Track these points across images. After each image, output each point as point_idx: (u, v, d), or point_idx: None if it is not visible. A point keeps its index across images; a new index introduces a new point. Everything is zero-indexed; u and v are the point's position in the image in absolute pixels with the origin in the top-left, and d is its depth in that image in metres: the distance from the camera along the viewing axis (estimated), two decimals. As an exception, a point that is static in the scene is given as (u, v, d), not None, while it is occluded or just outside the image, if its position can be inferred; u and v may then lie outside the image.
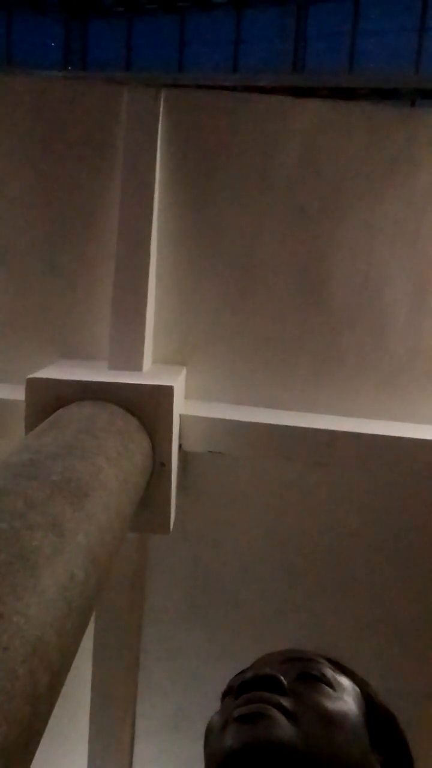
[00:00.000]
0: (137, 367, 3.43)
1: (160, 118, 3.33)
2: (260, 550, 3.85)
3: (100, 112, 3.39)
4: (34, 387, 3.08)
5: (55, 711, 1.59)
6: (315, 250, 3.47)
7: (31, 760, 1.44)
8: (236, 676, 0.98)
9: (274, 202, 3.43)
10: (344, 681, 0.93)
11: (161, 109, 3.33)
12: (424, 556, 3.71)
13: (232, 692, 0.91)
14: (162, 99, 3.32)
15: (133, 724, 4.30)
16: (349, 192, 3.39)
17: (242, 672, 0.98)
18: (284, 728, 0.80)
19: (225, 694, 0.95)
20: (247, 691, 0.87)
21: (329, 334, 3.55)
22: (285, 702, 0.84)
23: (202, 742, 0.92)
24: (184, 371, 3.60)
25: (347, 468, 3.44)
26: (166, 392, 3.11)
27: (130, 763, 4.37)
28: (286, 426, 3.38)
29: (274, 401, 3.62)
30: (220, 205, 3.47)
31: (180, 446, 3.40)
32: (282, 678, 0.88)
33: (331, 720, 0.83)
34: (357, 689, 0.93)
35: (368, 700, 0.92)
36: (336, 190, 3.39)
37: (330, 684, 0.90)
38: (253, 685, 0.88)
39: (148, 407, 3.11)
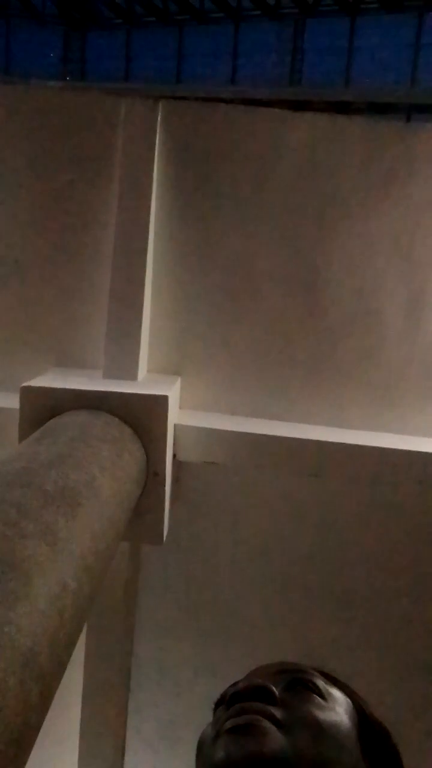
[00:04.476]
0: (132, 376, 3.43)
1: (158, 130, 3.35)
2: (254, 560, 3.84)
3: (97, 123, 3.41)
4: (28, 395, 3.08)
5: (46, 722, 1.58)
6: (310, 262, 3.49)
7: (20, 771, 1.43)
8: (228, 687, 0.98)
9: (270, 213, 3.45)
10: (336, 693, 0.93)
11: (159, 121, 3.35)
12: (418, 567, 3.70)
13: (224, 703, 0.91)
14: (160, 110, 3.34)
15: (124, 736, 4.26)
16: (344, 204, 3.41)
17: (234, 684, 0.98)
18: (275, 740, 0.80)
19: (217, 706, 0.95)
20: (239, 701, 0.87)
21: (324, 346, 3.56)
22: (276, 712, 0.84)
23: (194, 755, 0.91)
24: (178, 381, 3.60)
25: (342, 479, 3.44)
26: (161, 402, 3.11)
27: (121, 776, 4.33)
28: (281, 437, 3.38)
29: (268, 412, 3.63)
30: (216, 215, 3.49)
31: (174, 456, 3.40)
32: (273, 688, 0.88)
33: (323, 730, 0.83)
34: (349, 701, 0.93)
35: (360, 712, 0.92)
36: (332, 202, 3.41)
37: (322, 695, 0.90)
38: (245, 696, 0.88)
39: (142, 416, 3.10)
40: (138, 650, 4.15)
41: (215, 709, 0.95)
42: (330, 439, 3.38)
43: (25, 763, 1.44)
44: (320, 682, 0.92)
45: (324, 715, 0.85)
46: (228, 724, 0.84)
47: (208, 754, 0.84)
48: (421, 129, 3.42)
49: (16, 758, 1.38)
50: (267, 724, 0.82)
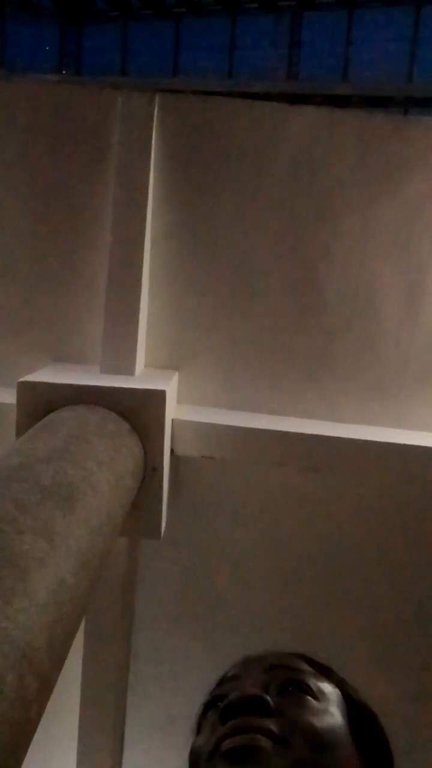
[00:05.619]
0: (129, 371, 3.42)
1: (155, 123, 3.33)
2: (252, 555, 3.84)
3: (94, 116, 3.39)
4: (26, 390, 3.07)
5: (44, 716, 1.58)
6: (308, 256, 3.48)
7: (19, 766, 1.43)
8: (217, 685, 0.98)
9: (267, 207, 3.44)
10: (327, 687, 0.93)
11: (155, 114, 3.33)
12: (418, 562, 3.71)
13: (217, 711, 0.89)
14: (156, 104, 3.33)
15: (122, 731, 4.27)
16: (342, 199, 3.40)
17: (222, 681, 0.97)
18: (274, 761, 0.79)
19: (207, 706, 0.95)
20: (233, 715, 0.86)
21: (322, 340, 3.55)
22: (272, 725, 0.83)
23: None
24: (176, 376, 3.60)
25: (340, 474, 3.44)
26: (159, 396, 3.11)
27: (120, 770, 4.34)
28: (279, 431, 3.38)
29: (266, 406, 3.62)
30: (213, 209, 3.48)
31: (172, 451, 3.39)
32: (268, 698, 0.87)
33: (321, 742, 0.83)
34: (338, 692, 0.94)
35: (348, 699, 0.93)
36: (329, 196, 3.40)
37: (314, 695, 0.90)
38: (239, 709, 0.86)
39: (140, 411, 3.10)
40: (136, 645, 4.16)
41: (205, 710, 0.94)
42: (328, 434, 3.38)
43: (23, 757, 1.44)
44: (312, 681, 0.92)
45: (320, 722, 0.85)
46: (226, 746, 0.82)
47: None
48: (418, 122, 3.42)
49: (15, 752, 1.38)
50: (265, 742, 0.81)
